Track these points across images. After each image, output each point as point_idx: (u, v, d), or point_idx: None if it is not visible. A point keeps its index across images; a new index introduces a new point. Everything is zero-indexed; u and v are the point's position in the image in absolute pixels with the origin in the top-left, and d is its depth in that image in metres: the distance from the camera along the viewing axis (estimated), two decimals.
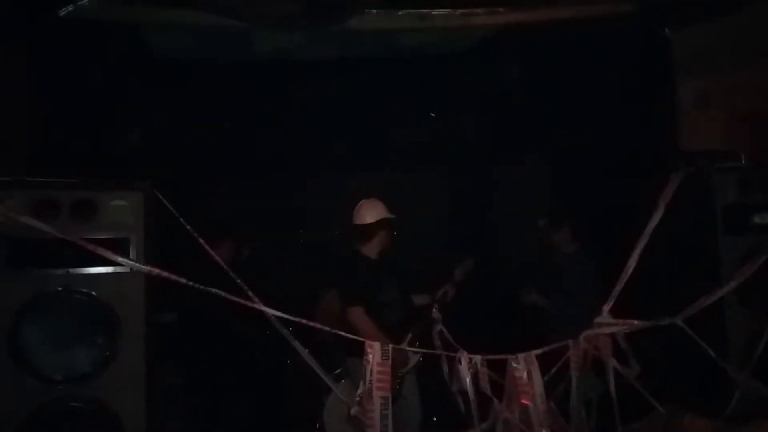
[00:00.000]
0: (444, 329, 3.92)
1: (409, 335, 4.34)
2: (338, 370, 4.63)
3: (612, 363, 3.17)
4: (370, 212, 4.28)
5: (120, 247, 2.71)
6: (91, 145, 4.18)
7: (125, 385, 2.69)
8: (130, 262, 2.68)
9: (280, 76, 5.04)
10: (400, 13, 4.47)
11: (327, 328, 2.93)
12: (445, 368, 3.62)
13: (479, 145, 6.50)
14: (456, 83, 5.53)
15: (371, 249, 4.28)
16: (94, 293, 2.70)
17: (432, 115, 5.83)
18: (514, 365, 3.08)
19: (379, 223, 4.25)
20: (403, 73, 5.32)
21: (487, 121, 6.19)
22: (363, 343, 3.00)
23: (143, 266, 2.68)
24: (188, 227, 2.87)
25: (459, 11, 4.56)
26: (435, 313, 4.08)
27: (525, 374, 3.06)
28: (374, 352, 2.94)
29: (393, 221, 4.30)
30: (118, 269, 2.71)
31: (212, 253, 2.89)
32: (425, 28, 4.74)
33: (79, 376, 2.66)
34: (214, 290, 2.72)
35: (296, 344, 3.05)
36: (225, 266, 2.89)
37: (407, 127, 6.02)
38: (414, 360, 4.36)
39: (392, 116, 5.79)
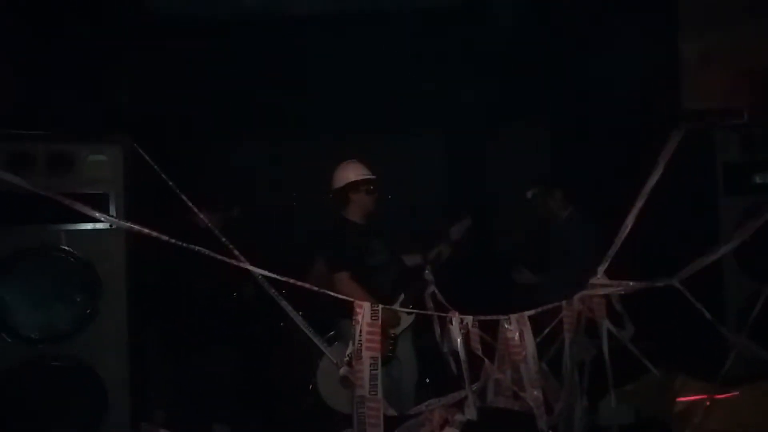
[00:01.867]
0: (436, 290, 3.86)
1: (401, 296, 4.31)
2: (331, 333, 4.60)
3: (606, 324, 3.10)
4: (341, 175, 4.21)
5: (99, 202, 2.63)
6: (74, 100, 4.05)
7: (107, 344, 2.64)
8: (110, 217, 2.59)
9: (269, 31, 4.89)
10: None
11: (315, 288, 2.86)
12: (437, 329, 3.59)
13: (475, 105, 6.36)
14: (456, 39, 5.37)
15: (353, 212, 4.21)
16: (72, 250, 2.62)
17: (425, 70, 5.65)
18: (506, 326, 3.03)
19: (351, 186, 4.16)
20: (397, 30, 5.17)
21: (482, 81, 6.04)
22: (353, 304, 2.94)
23: (123, 222, 2.60)
24: (170, 183, 2.77)
25: None
26: (427, 274, 4.01)
27: (517, 335, 3.01)
28: (363, 313, 2.88)
29: (372, 183, 4.19)
30: (98, 226, 2.64)
31: (196, 209, 2.79)
32: None
33: (59, 336, 2.61)
34: (197, 248, 2.65)
35: (284, 304, 2.99)
36: (209, 224, 2.80)
37: (401, 85, 5.87)
38: (407, 321, 4.32)
39: (385, 75, 5.64)
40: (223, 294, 4.69)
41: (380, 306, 2.95)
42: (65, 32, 3.98)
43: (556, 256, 4.58)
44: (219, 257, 2.71)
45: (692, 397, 3.08)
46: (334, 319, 4.36)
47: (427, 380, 4.79)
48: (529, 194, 4.75)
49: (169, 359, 4.18)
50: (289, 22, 4.95)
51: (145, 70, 4.78)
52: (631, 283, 3.01)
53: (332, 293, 3.02)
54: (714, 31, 4.31)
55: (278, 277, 2.81)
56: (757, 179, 3.24)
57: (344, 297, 3.09)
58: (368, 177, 4.19)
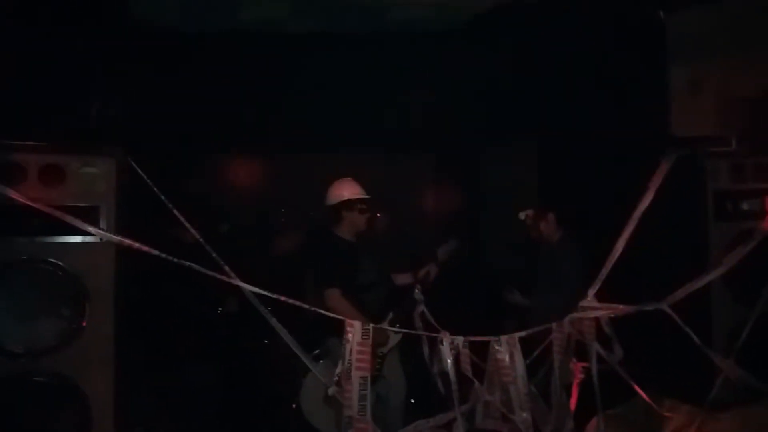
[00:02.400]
0: (425, 310, 3.85)
1: (390, 315, 4.30)
2: (317, 351, 4.56)
3: (595, 347, 3.11)
4: (336, 193, 4.22)
5: (90, 215, 2.60)
6: (65, 112, 4.02)
7: (92, 360, 2.59)
8: (100, 231, 2.56)
9: (264, 47, 4.90)
10: None
11: (306, 306, 2.84)
12: (426, 349, 3.58)
13: (467, 126, 6.40)
14: (444, 62, 5.41)
15: (344, 230, 4.22)
16: (61, 263, 2.59)
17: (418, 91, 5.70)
18: (497, 347, 3.02)
19: (344, 204, 4.17)
20: (389, 49, 5.20)
21: (476, 101, 6.08)
22: (343, 322, 2.92)
23: (114, 236, 2.57)
24: (163, 197, 2.75)
25: None
26: (417, 293, 4.01)
27: (507, 357, 3.00)
28: (354, 332, 2.86)
29: (365, 202, 4.20)
30: (88, 239, 2.60)
31: (187, 224, 2.78)
32: (414, 3, 4.64)
33: (44, 350, 2.56)
34: (188, 263, 2.63)
35: (273, 322, 2.96)
36: (200, 239, 2.78)
37: (393, 105, 5.90)
38: (395, 340, 4.31)
39: (378, 94, 5.67)
40: (208, 309, 4.64)
41: (371, 325, 2.93)
42: (53, 43, 3.96)
43: (547, 279, 4.58)
44: (209, 273, 2.69)
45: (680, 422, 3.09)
46: (321, 336, 4.32)
47: (412, 400, 4.76)
48: (522, 216, 4.77)
49: (153, 374, 4.12)
50: (284, 39, 4.96)
51: (137, 84, 4.76)
52: (620, 307, 3.03)
53: (322, 311, 3.00)
54: (703, 60, 4.39)
55: (268, 294, 2.79)
56: (746, 206, 3.27)
57: (334, 315, 3.07)
58: (362, 197, 4.19)
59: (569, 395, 3.34)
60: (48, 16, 3.83)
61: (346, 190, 4.21)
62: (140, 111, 4.84)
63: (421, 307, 3.90)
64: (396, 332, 4.06)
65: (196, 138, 5.61)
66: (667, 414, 3.16)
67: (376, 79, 5.57)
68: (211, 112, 5.41)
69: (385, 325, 4.00)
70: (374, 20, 4.97)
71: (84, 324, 2.58)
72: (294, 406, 4.82)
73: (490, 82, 5.78)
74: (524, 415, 3.00)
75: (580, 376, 3.40)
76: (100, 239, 2.59)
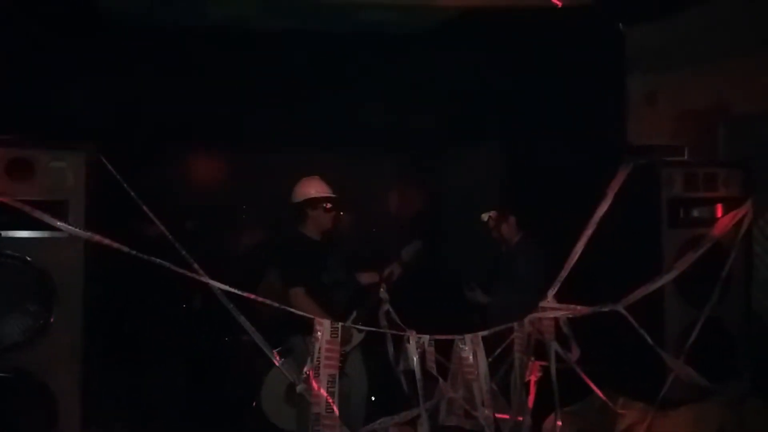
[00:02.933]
0: (391, 309, 3.91)
1: (354, 314, 4.33)
2: (278, 349, 4.57)
3: (554, 346, 3.23)
4: (302, 191, 4.23)
5: (58, 210, 2.56)
6: (34, 107, 3.94)
7: (60, 357, 2.55)
8: (68, 226, 2.54)
9: (232, 45, 4.88)
10: None
11: (276, 304, 2.87)
12: (391, 348, 3.64)
13: (430, 128, 6.49)
14: (412, 65, 5.49)
15: (309, 228, 4.22)
16: (28, 258, 2.55)
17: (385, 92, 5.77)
18: (461, 346, 3.11)
19: (309, 202, 4.18)
20: (359, 50, 5.25)
21: (440, 104, 6.18)
22: (308, 321, 2.96)
23: (82, 231, 2.55)
24: (132, 193, 2.74)
25: None
26: (382, 293, 4.06)
27: (471, 355, 3.09)
28: (323, 330, 2.90)
29: (331, 201, 4.21)
30: (56, 234, 2.56)
31: (157, 221, 2.77)
32: (385, 5, 4.69)
33: (9, 346, 2.51)
34: (157, 261, 2.63)
35: (242, 320, 2.97)
36: (170, 236, 2.78)
37: (361, 106, 5.95)
38: (358, 338, 4.35)
39: (346, 94, 5.71)
40: (171, 306, 4.60)
41: (340, 324, 2.98)
42: (26, 38, 3.88)
43: (505, 279, 4.71)
44: (179, 270, 2.69)
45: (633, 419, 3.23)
46: (284, 334, 4.33)
47: (372, 398, 4.82)
48: (485, 217, 4.89)
49: (118, 372, 4.07)
50: (252, 37, 4.95)
51: (107, 78, 4.69)
52: (578, 308, 3.16)
53: (293, 310, 3.03)
54: (660, 72, 4.58)
55: (237, 292, 2.80)
56: (697, 213, 3.44)
57: (302, 313, 3.10)
58: (327, 195, 4.21)
59: (528, 393, 3.45)
60: (15, 10, 3.73)
61: (312, 188, 4.22)
62: (107, 106, 4.77)
63: (387, 306, 3.96)
64: (362, 331, 4.09)
65: (163, 134, 5.55)
66: (620, 411, 3.30)
67: (343, 79, 5.61)
68: (178, 108, 5.36)
69: (349, 324, 4.04)
70: (343, 21, 5.01)
71: (51, 320, 2.54)
72: (254, 404, 4.83)
73: (455, 85, 5.89)
74: (486, 411, 3.10)
75: (537, 374, 3.53)
76: (69, 234, 2.56)
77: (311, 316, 2.98)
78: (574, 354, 3.29)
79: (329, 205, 4.21)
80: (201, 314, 4.89)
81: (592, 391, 3.32)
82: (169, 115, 5.35)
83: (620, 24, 4.75)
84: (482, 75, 5.55)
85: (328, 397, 2.85)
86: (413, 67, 5.43)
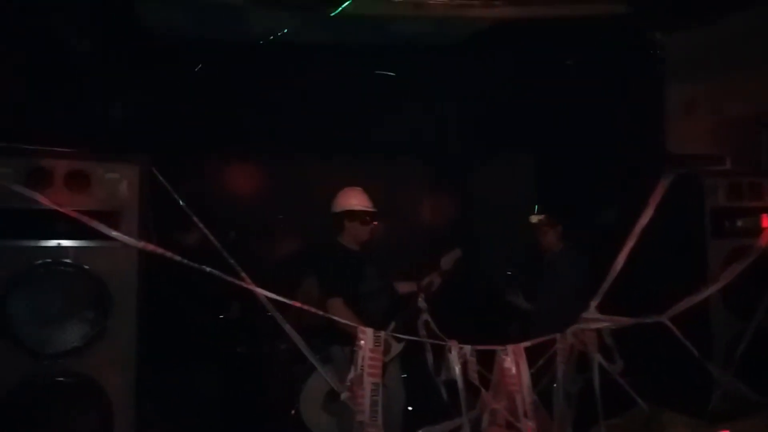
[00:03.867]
0: (429, 319, 3.92)
1: (392, 324, 4.34)
2: (317, 357, 4.61)
3: (597, 358, 3.20)
4: (342, 201, 4.25)
5: (113, 220, 2.65)
6: (84, 120, 4.07)
7: (115, 361, 2.64)
8: (122, 236, 2.61)
9: (273, 57, 4.98)
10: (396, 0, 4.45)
11: (320, 313, 2.91)
12: (430, 358, 3.64)
13: (467, 138, 6.51)
14: (447, 75, 5.52)
15: (348, 239, 4.25)
16: (85, 266, 2.64)
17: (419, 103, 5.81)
18: (503, 356, 3.11)
19: (347, 214, 4.21)
20: (395, 62, 5.31)
21: (476, 115, 6.20)
22: (347, 331, 2.99)
23: (136, 241, 2.62)
24: (182, 203, 2.81)
25: (456, 2, 4.57)
26: (421, 302, 4.06)
27: (513, 366, 3.08)
28: (367, 339, 2.93)
29: (370, 214, 4.23)
30: (111, 243, 2.63)
31: (206, 231, 2.84)
32: (420, 17, 4.73)
33: (68, 351, 2.61)
34: (207, 269, 2.69)
35: (287, 327, 3.02)
36: (218, 245, 2.84)
37: (396, 116, 6.00)
38: (396, 349, 4.36)
39: (382, 105, 5.76)
40: (211, 314, 4.68)
41: (382, 332, 3.00)
42: (76, 55, 4.01)
43: (548, 286, 4.64)
44: (228, 278, 2.75)
45: None
46: (322, 343, 4.37)
47: (410, 408, 4.83)
48: (534, 219, 4.82)
49: (163, 377, 4.15)
50: (290, 49, 5.04)
51: (150, 93, 4.82)
52: (622, 319, 3.14)
53: (334, 317, 3.07)
54: (698, 81, 4.54)
55: (283, 300, 2.85)
56: (740, 223, 3.40)
57: (345, 321, 3.14)
58: (366, 209, 4.24)
59: (571, 404, 3.43)
60: (68, 27, 3.87)
61: (353, 200, 4.24)
62: (154, 119, 4.89)
63: (425, 316, 3.97)
64: (401, 341, 4.10)
65: (207, 146, 5.67)
66: (665, 425, 3.25)
67: (379, 90, 5.67)
68: (218, 119, 5.47)
69: (389, 333, 4.05)
70: (378, 33, 5.07)
71: (107, 326, 2.63)
72: (293, 411, 4.87)
73: (488, 96, 5.90)
74: (529, 423, 3.08)
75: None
76: (123, 244, 2.64)
77: (354, 325, 3.01)
78: (618, 366, 3.26)
79: (367, 218, 4.25)
80: (240, 322, 4.95)
81: (636, 403, 3.29)
82: (212, 127, 5.46)
83: (657, 33, 4.73)
84: (514, 85, 5.56)
85: (372, 405, 2.86)
86: (446, 78, 5.46)
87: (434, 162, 6.57)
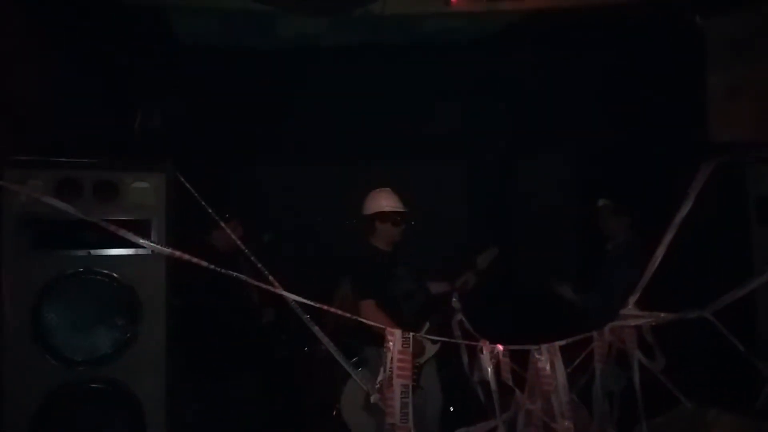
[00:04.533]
0: (464, 318, 3.87)
1: (427, 325, 4.31)
2: (354, 359, 4.62)
3: (637, 355, 3.09)
4: (373, 203, 4.25)
5: (142, 228, 2.70)
6: (114, 129, 4.18)
7: (145, 367, 2.69)
8: (152, 244, 2.64)
9: (302, 61, 5.01)
10: None
11: (348, 315, 2.89)
12: (465, 358, 3.59)
13: (503, 134, 6.41)
14: (480, 71, 5.45)
15: (379, 240, 4.25)
16: (115, 275, 2.70)
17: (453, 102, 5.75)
18: (537, 356, 3.03)
19: (378, 215, 4.20)
20: (426, 60, 5.26)
21: (511, 110, 6.10)
22: (381, 332, 2.96)
23: (164, 248, 2.66)
24: (210, 210, 2.84)
25: None
26: (455, 302, 4.02)
27: (548, 365, 3.00)
28: (395, 340, 2.90)
29: (401, 215, 4.22)
30: (140, 251, 2.70)
31: (234, 236, 2.86)
32: (449, 14, 4.68)
33: (100, 358, 2.67)
34: (234, 274, 2.71)
35: (316, 330, 3.01)
36: (246, 250, 2.86)
37: (430, 115, 5.96)
38: (432, 350, 4.32)
39: (415, 104, 5.73)
40: (246, 318, 4.72)
41: (411, 334, 2.97)
42: (102, 63, 4.11)
43: (606, 278, 4.39)
44: (255, 283, 2.77)
45: None
46: (358, 345, 4.37)
47: (451, 409, 4.77)
48: (600, 203, 4.62)
49: (197, 383, 4.21)
50: (318, 52, 5.06)
51: (181, 102, 4.91)
52: (662, 315, 3.02)
53: (365, 320, 3.05)
54: (741, 65, 4.35)
55: (311, 303, 2.85)
56: None
57: (375, 324, 3.12)
58: (398, 210, 4.22)
59: (611, 404, 3.32)
60: (95, 37, 3.97)
61: (384, 201, 4.25)
62: (185, 127, 4.98)
63: (459, 316, 3.92)
64: (434, 342, 4.06)
65: (239, 151, 5.75)
66: (711, 423, 3.12)
67: (411, 89, 5.63)
68: (252, 125, 5.54)
69: (422, 335, 4.02)
70: (409, 32, 5.04)
71: (137, 333, 2.68)
72: (335, 412, 4.89)
73: (525, 90, 5.80)
74: (566, 423, 3.00)
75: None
76: (152, 251, 2.69)
77: (382, 327, 2.99)
78: (659, 363, 3.14)
79: (398, 219, 4.23)
80: (279, 324, 4.99)
81: (680, 401, 3.16)
82: (243, 132, 5.54)
83: (698, 17, 4.55)
84: (552, 77, 5.44)
85: (402, 408, 2.83)
86: (480, 75, 5.39)
87: (470, 159, 6.50)
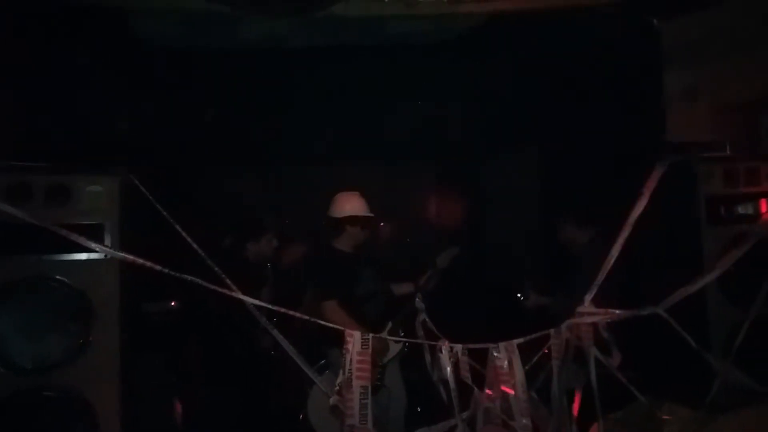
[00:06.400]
0: (427, 318, 3.89)
1: (389, 325, 4.33)
2: (321, 362, 4.61)
3: (593, 352, 3.14)
4: (341, 206, 4.26)
5: (95, 233, 2.67)
6: (71, 132, 4.12)
7: (99, 374, 2.66)
8: (105, 248, 2.62)
9: (265, 63, 4.99)
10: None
11: (306, 317, 2.89)
12: (428, 357, 3.61)
13: (466, 136, 6.46)
14: (443, 73, 5.49)
15: (344, 242, 4.26)
16: (67, 280, 2.66)
17: (418, 103, 5.77)
18: (495, 354, 3.06)
19: (348, 219, 4.22)
20: (389, 62, 5.28)
21: (475, 111, 6.14)
22: (343, 333, 2.96)
23: (118, 252, 2.63)
24: (165, 214, 2.82)
25: None
26: (418, 302, 4.04)
27: (506, 363, 3.03)
28: (354, 341, 2.91)
29: (368, 219, 4.25)
30: (93, 256, 2.67)
31: (189, 239, 2.84)
32: (412, 16, 4.70)
33: (52, 365, 2.63)
34: (189, 278, 2.69)
35: (275, 333, 3.00)
36: (202, 254, 2.84)
37: (393, 117, 5.97)
38: (395, 349, 4.34)
39: (378, 106, 5.74)
40: (211, 322, 4.68)
41: (370, 335, 2.98)
42: (57, 63, 4.05)
43: (575, 279, 4.38)
44: (211, 287, 2.75)
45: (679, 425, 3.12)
46: (325, 348, 4.37)
47: (418, 409, 4.79)
48: (562, 222, 4.61)
49: (158, 387, 4.17)
50: (286, 53, 5.04)
51: (138, 100, 4.85)
52: (617, 312, 3.07)
53: (323, 322, 3.05)
54: (698, 67, 4.44)
55: (269, 306, 2.84)
56: (739, 210, 3.31)
57: (332, 325, 3.12)
58: (366, 214, 4.24)
59: (570, 401, 3.36)
60: (52, 35, 3.91)
61: (351, 205, 4.25)
62: (143, 128, 4.93)
63: (423, 316, 3.94)
64: (396, 341, 4.09)
65: (199, 153, 5.70)
66: (666, 417, 3.18)
67: (376, 91, 5.65)
68: (213, 127, 5.50)
69: (385, 335, 4.04)
70: (373, 34, 5.05)
71: (90, 339, 2.64)
72: (301, 416, 4.87)
73: (488, 91, 5.85)
74: (524, 421, 3.03)
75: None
76: (105, 256, 2.66)
77: (341, 328, 2.99)
78: (615, 359, 3.19)
79: (366, 223, 4.25)
80: (244, 329, 4.96)
81: (636, 397, 3.22)
82: (204, 134, 5.49)
83: (654, 19, 4.64)
84: (514, 79, 5.50)
85: (361, 409, 2.84)
86: (444, 76, 5.42)
87: (435, 161, 6.54)
